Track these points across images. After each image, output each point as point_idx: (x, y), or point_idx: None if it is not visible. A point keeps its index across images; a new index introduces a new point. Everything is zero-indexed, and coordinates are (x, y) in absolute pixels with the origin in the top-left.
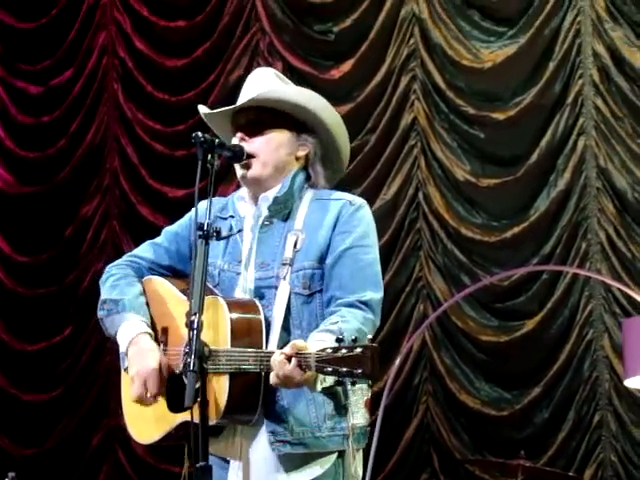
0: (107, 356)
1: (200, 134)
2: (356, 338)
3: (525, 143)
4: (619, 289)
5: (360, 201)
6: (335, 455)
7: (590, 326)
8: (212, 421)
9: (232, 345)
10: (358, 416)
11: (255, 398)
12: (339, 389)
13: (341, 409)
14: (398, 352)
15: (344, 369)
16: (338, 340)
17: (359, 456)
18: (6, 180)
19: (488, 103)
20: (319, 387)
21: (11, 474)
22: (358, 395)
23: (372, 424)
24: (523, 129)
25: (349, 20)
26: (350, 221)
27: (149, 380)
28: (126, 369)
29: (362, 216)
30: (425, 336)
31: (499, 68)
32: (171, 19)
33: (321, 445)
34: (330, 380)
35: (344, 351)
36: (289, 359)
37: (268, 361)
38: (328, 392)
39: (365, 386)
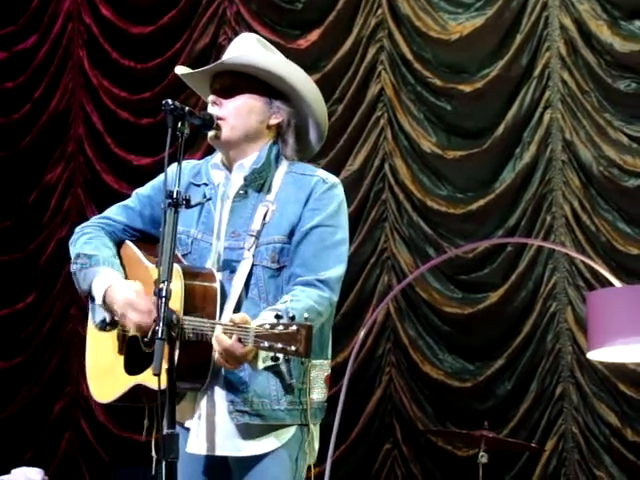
0: (70, 323)
1: (170, 101)
2: (294, 316)
3: (491, 115)
4: (583, 262)
5: (334, 180)
6: (294, 428)
7: (553, 299)
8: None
9: (185, 313)
10: (317, 391)
11: (204, 368)
12: (283, 368)
13: (287, 387)
14: (362, 323)
15: (279, 345)
16: (277, 317)
17: (316, 431)
18: None
19: (455, 75)
20: (261, 365)
21: None
22: (318, 371)
23: (336, 394)
24: (489, 101)
25: None
26: (321, 199)
27: (138, 304)
28: (103, 321)
29: (334, 195)
30: (389, 307)
31: (466, 40)
32: None
33: (279, 418)
34: (272, 359)
35: (281, 328)
36: (230, 335)
37: (212, 330)
38: (272, 371)
39: (326, 362)
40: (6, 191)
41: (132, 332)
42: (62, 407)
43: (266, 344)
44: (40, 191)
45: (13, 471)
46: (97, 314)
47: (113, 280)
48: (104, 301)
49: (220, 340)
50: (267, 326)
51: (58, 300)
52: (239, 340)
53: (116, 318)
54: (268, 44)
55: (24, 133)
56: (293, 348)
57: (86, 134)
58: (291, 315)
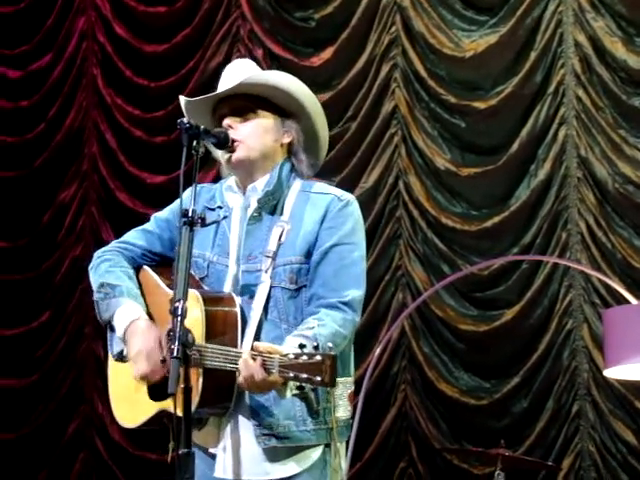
0: (84, 342)
1: (185, 120)
2: (317, 345)
3: (506, 132)
4: (599, 279)
5: (349, 197)
6: (321, 448)
7: (569, 316)
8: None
9: (207, 340)
10: (341, 409)
11: (228, 393)
12: (311, 395)
13: (313, 414)
14: (377, 341)
15: (304, 375)
16: (301, 346)
17: (342, 449)
18: None
19: (469, 92)
20: (288, 394)
21: None
22: (341, 389)
23: (352, 412)
24: (504, 118)
25: (330, 7)
26: (338, 217)
27: (152, 356)
28: (120, 353)
29: (350, 212)
30: (404, 325)
31: (480, 57)
32: (151, 4)
33: (306, 439)
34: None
35: (305, 358)
36: (254, 358)
37: (237, 360)
38: (300, 397)
39: (349, 379)
40: (20, 210)
41: (136, 378)
42: (76, 426)
43: (291, 374)
44: (54, 210)
45: None
46: (115, 345)
47: (136, 316)
48: (124, 335)
49: (247, 365)
50: (291, 356)
51: (72, 319)
52: (264, 368)
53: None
54: (260, 68)
55: (38, 152)
56: (318, 378)
57: (100, 152)
58: (315, 344)
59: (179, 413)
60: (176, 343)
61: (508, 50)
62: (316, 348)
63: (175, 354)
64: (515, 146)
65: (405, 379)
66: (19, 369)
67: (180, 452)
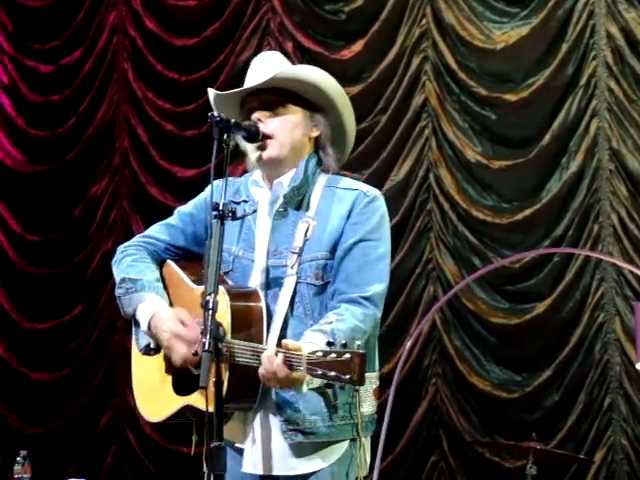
0: (116, 336)
1: (216, 113)
2: (346, 343)
3: (537, 125)
4: (631, 272)
5: (375, 192)
6: (346, 443)
7: (601, 309)
8: (212, 408)
9: (232, 335)
10: (367, 405)
11: (254, 388)
12: (328, 390)
13: (331, 408)
14: (408, 334)
15: (332, 373)
16: (329, 344)
17: (367, 444)
18: (16, 159)
19: (500, 84)
20: (305, 389)
21: (23, 452)
22: (366, 384)
23: (383, 405)
24: (535, 111)
25: (360, 0)
26: (363, 213)
27: (184, 335)
28: (147, 347)
29: (376, 208)
30: (435, 318)
31: (511, 49)
32: None
33: (332, 434)
34: (317, 382)
35: (333, 355)
36: (277, 355)
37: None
38: (318, 392)
39: (374, 375)
40: (52, 204)
41: (178, 364)
42: (108, 419)
43: (319, 372)
44: (86, 204)
45: None
46: (141, 339)
47: (158, 308)
48: (149, 328)
49: (271, 360)
50: (319, 353)
51: (104, 312)
52: (288, 365)
53: (162, 348)
54: (288, 61)
55: (70, 146)
56: (347, 377)
57: (131, 146)
58: (343, 342)
59: (205, 407)
60: (207, 336)
61: (539, 42)
62: (344, 346)
63: (207, 347)
64: (546, 138)
65: (436, 372)
66: (51, 363)
67: (212, 445)
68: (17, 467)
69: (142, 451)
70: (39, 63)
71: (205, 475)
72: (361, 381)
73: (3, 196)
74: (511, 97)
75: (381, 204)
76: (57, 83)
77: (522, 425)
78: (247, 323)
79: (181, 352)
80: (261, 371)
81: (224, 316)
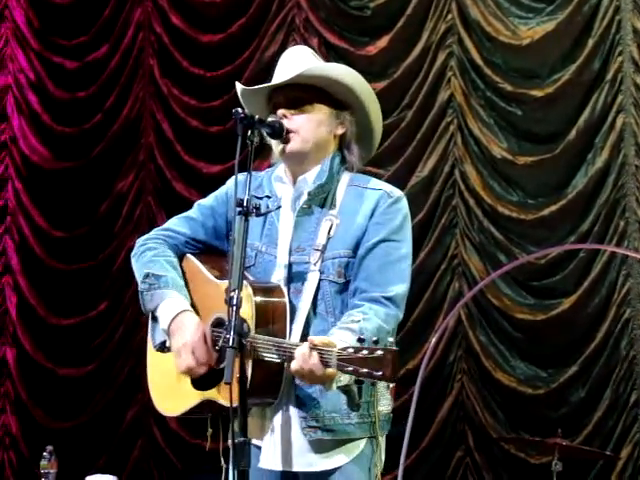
0: (141, 331)
1: (240, 110)
2: (377, 339)
3: (563, 120)
4: None
5: (398, 193)
6: (364, 441)
7: (627, 305)
8: (235, 402)
9: (256, 330)
10: (383, 403)
11: (277, 384)
12: (354, 388)
13: (354, 407)
14: (433, 330)
15: (364, 370)
16: (360, 340)
17: (383, 442)
18: (43, 155)
19: (526, 80)
20: (334, 386)
21: (49, 447)
22: (384, 383)
23: (408, 401)
24: (561, 106)
25: None
26: (387, 213)
27: (197, 350)
28: (162, 344)
29: (399, 209)
30: (460, 314)
31: (537, 45)
32: None
33: (350, 432)
34: (345, 379)
35: (365, 352)
36: (312, 352)
37: (290, 352)
38: (342, 390)
39: None
40: (78, 200)
41: (180, 371)
42: (134, 414)
43: (350, 368)
44: (111, 200)
45: (87, 478)
46: (157, 335)
47: (181, 309)
48: (168, 327)
49: (305, 358)
50: (350, 350)
51: (130, 308)
52: (323, 362)
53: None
54: (316, 54)
55: (95, 142)
56: (380, 373)
57: (156, 142)
58: (375, 339)
59: (227, 403)
60: (231, 332)
61: (565, 37)
62: (376, 343)
63: (231, 343)
64: (572, 134)
65: (462, 368)
66: (78, 358)
67: (236, 441)
68: (43, 462)
69: (167, 446)
70: (65, 59)
71: (224, 470)
72: (393, 377)
73: (30, 192)
74: (537, 93)
75: (404, 205)
76: (83, 79)
77: (548, 421)
78: (270, 318)
79: (185, 364)
80: (295, 367)
81: (247, 311)
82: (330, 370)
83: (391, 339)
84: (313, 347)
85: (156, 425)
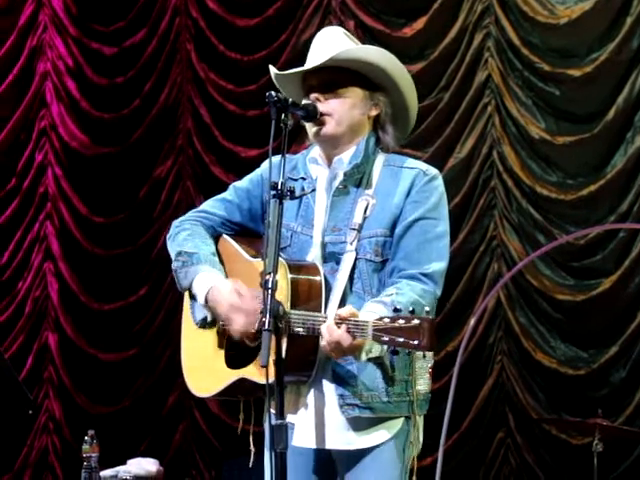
0: (181, 316)
1: (274, 93)
2: (414, 310)
3: (602, 100)
4: None
5: (434, 171)
6: (401, 420)
7: None
8: (270, 379)
9: (292, 307)
10: (422, 383)
11: (312, 360)
12: (386, 361)
13: (388, 380)
14: (472, 311)
15: (400, 339)
16: (396, 310)
17: (421, 422)
18: (82, 141)
19: (564, 59)
20: (364, 357)
21: (90, 432)
22: (422, 362)
23: (448, 382)
24: (600, 86)
25: None
26: (423, 191)
27: (241, 306)
28: (204, 320)
29: (435, 187)
30: (500, 295)
31: (575, 24)
32: None
33: (388, 410)
34: (376, 351)
35: (401, 321)
36: (339, 325)
37: (320, 325)
38: (375, 362)
39: (430, 353)
40: (117, 186)
41: (237, 336)
42: (176, 398)
43: (386, 338)
44: (150, 185)
45: (129, 462)
46: (197, 312)
47: (215, 281)
48: (206, 301)
49: (331, 331)
50: (387, 320)
51: (169, 293)
52: (349, 332)
53: (219, 321)
54: (351, 35)
55: (134, 128)
56: (415, 342)
57: (194, 127)
58: (411, 309)
59: (263, 380)
60: (267, 315)
61: (603, 16)
62: (412, 312)
63: (267, 326)
64: (611, 113)
65: (502, 350)
66: (118, 343)
67: (274, 423)
68: (85, 446)
69: (209, 429)
70: (103, 45)
71: (252, 454)
72: (431, 346)
73: (69, 178)
74: (575, 72)
75: (440, 183)
76: (121, 65)
77: (588, 402)
78: (306, 296)
79: (239, 323)
80: (323, 343)
81: (283, 289)
82: (358, 340)
83: (428, 313)
84: (340, 319)
85: (197, 409)
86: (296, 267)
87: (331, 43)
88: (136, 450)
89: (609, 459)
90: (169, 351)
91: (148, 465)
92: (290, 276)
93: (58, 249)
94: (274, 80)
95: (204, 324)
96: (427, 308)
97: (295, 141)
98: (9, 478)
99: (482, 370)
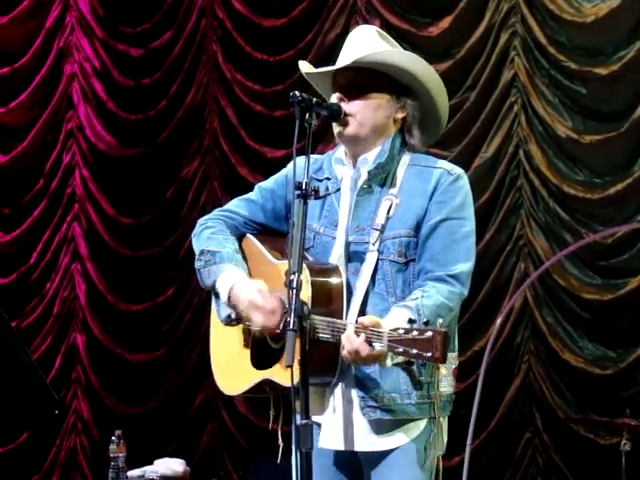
0: (209, 317)
1: (298, 93)
2: (428, 321)
3: (628, 98)
4: None
5: (459, 171)
6: (424, 422)
7: None
8: (295, 380)
9: (313, 311)
10: (445, 384)
11: (333, 364)
12: (414, 367)
13: (417, 386)
14: (499, 311)
15: (414, 351)
16: (411, 321)
17: (445, 423)
18: (109, 142)
19: (590, 58)
20: (389, 363)
21: (117, 431)
22: (446, 364)
23: (474, 382)
24: (626, 84)
25: None
26: (448, 191)
27: (261, 304)
28: (228, 317)
29: (460, 187)
30: (527, 295)
31: (602, 22)
32: None
33: (410, 412)
34: (401, 357)
35: (415, 333)
36: (358, 334)
37: (342, 332)
38: (401, 367)
39: (453, 355)
40: (144, 187)
41: (258, 333)
42: (203, 399)
43: (400, 349)
44: (177, 186)
45: (156, 462)
46: (222, 310)
47: (237, 279)
48: (229, 299)
49: (351, 340)
50: (401, 331)
51: (197, 293)
52: (368, 342)
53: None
54: (387, 35)
55: (161, 129)
56: (429, 354)
57: (221, 128)
58: (425, 320)
59: (287, 383)
60: (292, 315)
61: (630, 14)
62: (427, 324)
63: (291, 326)
64: (638, 112)
65: (529, 349)
66: (146, 344)
67: (299, 423)
68: (112, 446)
69: (236, 429)
70: (130, 47)
71: (280, 448)
72: (443, 359)
73: (96, 179)
74: (602, 71)
75: (465, 182)
76: (147, 66)
77: (616, 401)
78: (327, 299)
79: (259, 321)
80: (344, 353)
81: (305, 292)
82: (378, 349)
83: (442, 320)
84: (359, 329)
85: (225, 409)
86: (317, 270)
87: (361, 43)
88: (164, 450)
89: (637, 459)
90: (197, 351)
91: (175, 465)
92: (311, 279)
93: (86, 250)
94: (305, 76)
95: (229, 321)
96: (441, 320)
97: (321, 141)
98: (38, 478)
99: (509, 370)
